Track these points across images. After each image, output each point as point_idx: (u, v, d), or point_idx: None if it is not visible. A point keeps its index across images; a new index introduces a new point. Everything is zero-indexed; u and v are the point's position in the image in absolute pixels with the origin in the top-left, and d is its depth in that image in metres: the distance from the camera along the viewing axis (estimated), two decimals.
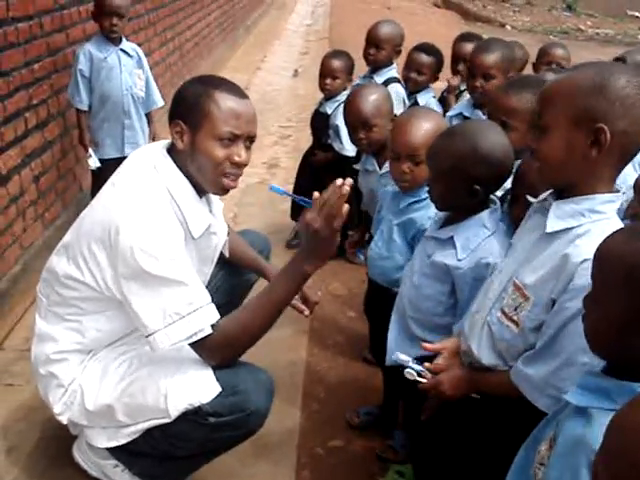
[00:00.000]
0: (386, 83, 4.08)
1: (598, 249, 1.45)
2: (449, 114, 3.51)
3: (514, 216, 2.17)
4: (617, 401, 1.28)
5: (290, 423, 2.87)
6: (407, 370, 2.03)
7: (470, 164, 2.14)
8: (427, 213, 2.52)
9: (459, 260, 2.20)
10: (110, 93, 4.20)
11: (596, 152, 1.65)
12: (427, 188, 2.45)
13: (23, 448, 2.64)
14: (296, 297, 2.58)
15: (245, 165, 2.23)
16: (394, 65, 4.25)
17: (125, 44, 4.28)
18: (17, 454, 2.62)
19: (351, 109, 3.12)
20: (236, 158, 2.18)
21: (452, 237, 2.22)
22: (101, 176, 3.97)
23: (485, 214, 2.21)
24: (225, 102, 2.16)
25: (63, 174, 4.29)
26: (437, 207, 2.34)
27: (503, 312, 1.83)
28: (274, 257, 3.10)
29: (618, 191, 1.73)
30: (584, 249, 1.63)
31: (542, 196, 1.85)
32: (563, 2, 20.03)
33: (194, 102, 2.17)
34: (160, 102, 4.56)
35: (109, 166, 3.92)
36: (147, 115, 4.50)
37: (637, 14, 18.93)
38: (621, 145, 1.65)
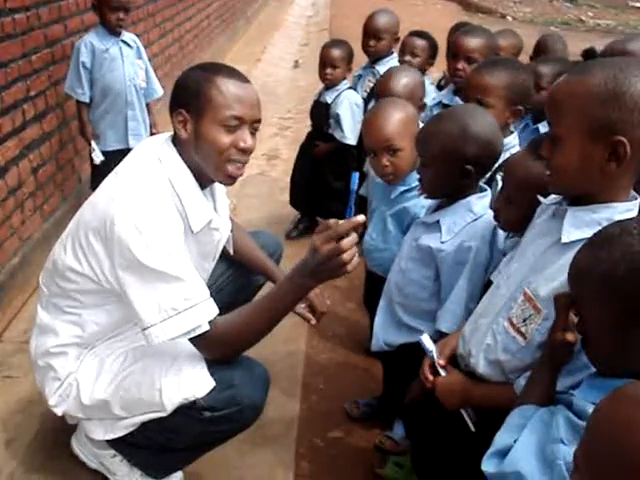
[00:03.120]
0: None
1: (570, 268, 1.47)
2: (429, 104, 3.48)
3: (494, 207, 2.14)
4: None
5: (289, 414, 2.87)
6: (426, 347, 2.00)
7: (461, 144, 2.16)
8: (420, 202, 2.53)
9: (442, 242, 2.23)
10: (113, 85, 4.18)
11: (615, 165, 1.55)
12: (416, 175, 2.46)
13: (21, 440, 2.64)
14: (302, 305, 2.56)
15: (251, 151, 2.18)
16: (394, 54, 4.25)
17: (125, 35, 4.25)
18: (15, 446, 2.61)
19: (384, 88, 3.15)
20: (242, 144, 2.13)
21: (438, 221, 2.26)
22: (103, 168, 3.98)
23: (473, 199, 2.24)
24: (228, 87, 2.11)
25: (62, 166, 4.28)
26: (428, 195, 2.34)
27: (511, 322, 1.75)
28: None
29: (636, 198, 1.63)
30: None
31: (552, 197, 1.78)
32: None
33: (195, 89, 2.13)
34: (160, 91, 4.55)
35: (112, 158, 3.95)
36: (147, 105, 4.48)
37: (638, 5, 18.87)
38: None
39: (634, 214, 1.61)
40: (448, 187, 2.26)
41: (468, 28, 3.51)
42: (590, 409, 1.34)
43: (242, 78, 2.19)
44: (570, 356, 1.56)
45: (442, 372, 1.95)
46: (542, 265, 1.71)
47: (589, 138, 1.56)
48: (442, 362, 1.96)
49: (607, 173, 1.57)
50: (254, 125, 2.18)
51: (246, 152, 2.16)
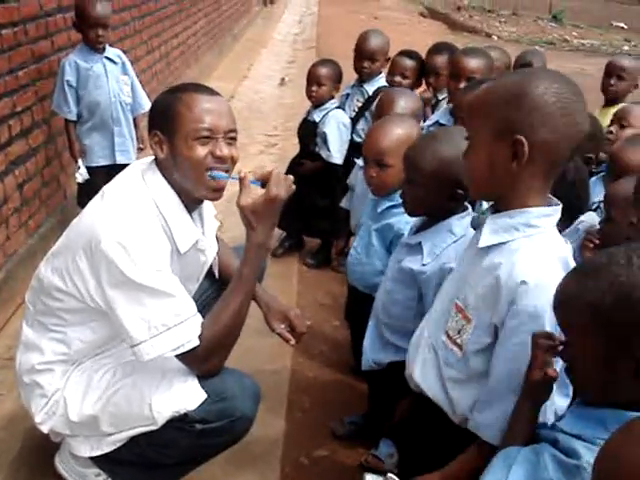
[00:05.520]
0: (377, 92, 4.10)
1: (555, 297, 1.47)
2: (426, 124, 3.55)
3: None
4: (610, 429, 1.23)
5: (274, 433, 2.86)
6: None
7: (455, 168, 2.14)
8: (404, 218, 2.54)
9: (423, 265, 2.24)
10: (98, 102, 4.17)
11: (516, 165, 1.60)
12: None
13: (4, 458, 2.61)
14: (282, 325, 2.55)
15: (232, 161, 2.18)
16: (382, 74, 4.29)
17: (109, 51, 4.25)
18: None
19: (387, 112, 3.17)
20: (217, 152, 2.13)
21: (420, 243, 2.27)
22: (90, 184, 3.97)
23: (453, 220, 2.25)
24: (194, 101, 2.13)
25: (47, 181, 4.26)
26: (408, 212, 2.35)
27: (448, 335, 1.78)
28: None
29: (558, 204, 1.68)
30: (521, 269, 1.60)
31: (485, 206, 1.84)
32: (549, 13, 20.17)
33: (165, 109, 2.16)
34: (146, 106, 4.50)
35: (99, 174, 3.97)
36: (134, 120, 4.47)
37: (622, 25, 19.10)
38: (544, 155, 1.60)
39: (553, 220, 1.67)
40: (433, 207, 2.27)
41: (467, 49, 3.65)
42: (577, 445, 1.34)
43: (209, 92, 2.20)
44: (549, 393, 1.58)
45: None
46: (467, 274, 1.76)
47: (493, 138, 1.62)
48: None
49: (511, 173, 1.61)
50: (229, 135, 2.18)
51: (224, 160, 2.16)
